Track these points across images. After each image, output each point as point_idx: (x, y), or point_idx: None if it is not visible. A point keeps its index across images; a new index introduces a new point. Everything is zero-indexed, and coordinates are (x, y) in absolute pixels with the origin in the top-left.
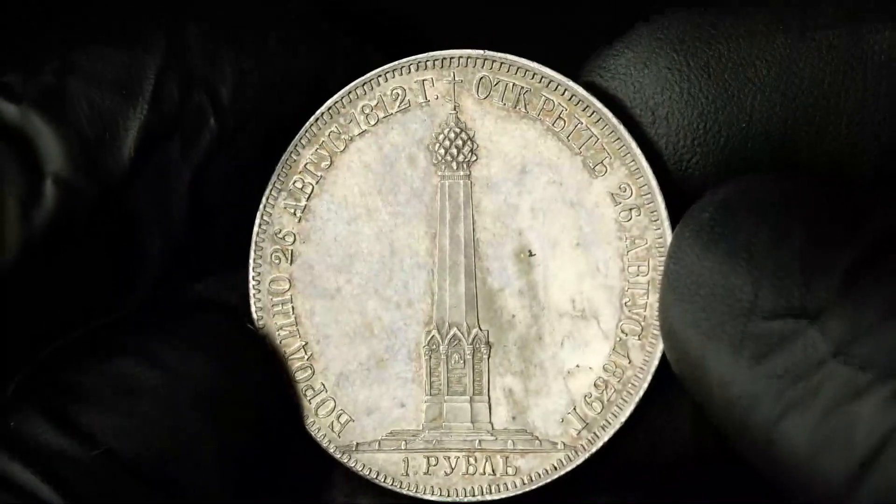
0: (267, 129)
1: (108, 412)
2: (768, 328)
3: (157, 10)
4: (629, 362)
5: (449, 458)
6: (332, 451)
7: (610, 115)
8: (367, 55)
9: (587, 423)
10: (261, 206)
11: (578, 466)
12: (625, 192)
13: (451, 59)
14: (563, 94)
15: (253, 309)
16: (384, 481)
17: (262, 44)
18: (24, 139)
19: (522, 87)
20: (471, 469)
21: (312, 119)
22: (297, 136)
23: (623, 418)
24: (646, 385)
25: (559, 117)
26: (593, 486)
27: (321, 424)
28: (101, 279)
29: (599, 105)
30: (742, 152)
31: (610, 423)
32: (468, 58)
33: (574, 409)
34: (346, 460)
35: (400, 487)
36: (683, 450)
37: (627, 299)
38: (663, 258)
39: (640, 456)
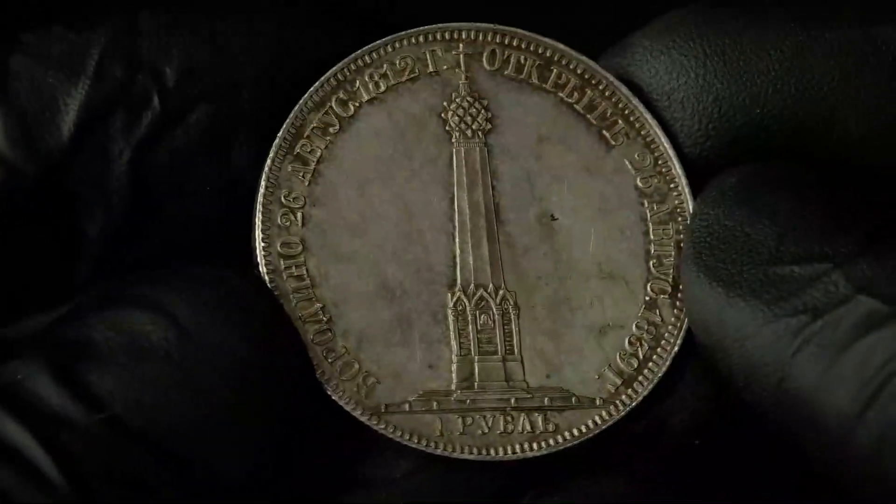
0: (217, 115)
1: (118, 373)
2: (790, 272)
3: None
4: (661, 320)
5: (485, 416)
6: (358, 414)
7: (623, 88)
8: (340, 41)
9: (625, 379)
10: (265, 170)
11: (617, 422)
12: (643, 160)
13: (460, 31)
14: (576, 68)
15: (263, 271)
16: (418, 442)
17: (215, 30)
18: None
19: (534, 61)
20: (508, 427)
21: (317, 84)
22: (301, 101)
23: (661, 373)
24: (680, 341)
25: (573, 90)
26: (628, 445)
27: (346, 388)
28: (42, 259)
29: (612, 78)
30: (755, 139)
31: (648, 378)
32: (478, 31)
33: (609, 365)
34: (374, 423)
35: (435, 448)
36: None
37: (654, 260)
38: (686, 221)
39: (670, 416)
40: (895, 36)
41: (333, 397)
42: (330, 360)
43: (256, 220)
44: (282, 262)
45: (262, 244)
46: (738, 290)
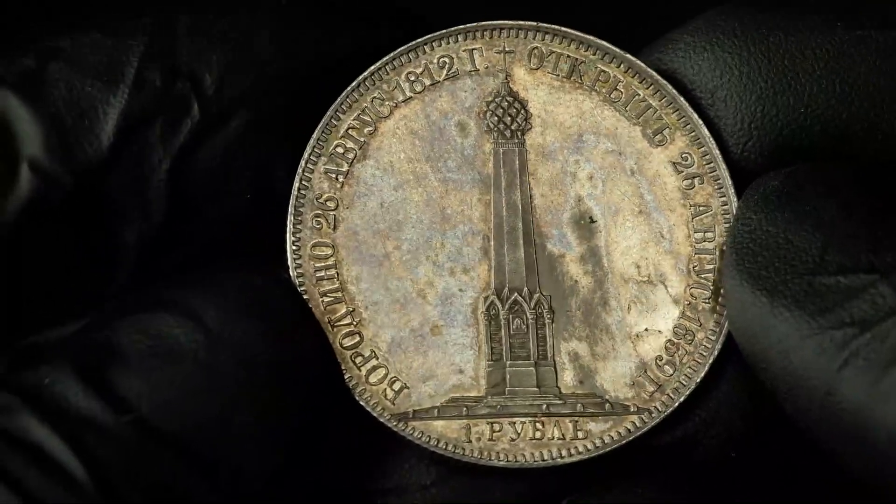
0: (255, 121)
1: (145, 377)
2: (835, 283)
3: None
4: (700, 325)
5: (514, 423)
6: (385, 419)
7: (668, 85)
8: (377, 43)
9: (660, 385)
10: (298, 171)
11: (650, 429)
12: (686, 161)
13: (501, 29)
14: (620, 66)
15: (293, 275)
16: (445, 448)
17: (252, 36)
18: (1, 123)
19: (576, 59)
20: (538, 434)
21: (354, 84)
22: (337, 102)
23: (697, 380)
24: (718, 347)
25: (616, 88)
26: (662, 455)
27: (373, 392)
28: (77, 267)
29: (657, 76)
30: (798, 139)
31: (684, 385)
32: (519, 28)
33: (645, 371)
34: (402, 428)
35: (463, 454)
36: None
37: (695, 264)
38: (729, 225)
39: (707, 424)
40: None
41: (360, 402)
42: (358, 365)
43: (288, 222)
44: (313, 266)
45: (293, 247)
46: (783, 299)
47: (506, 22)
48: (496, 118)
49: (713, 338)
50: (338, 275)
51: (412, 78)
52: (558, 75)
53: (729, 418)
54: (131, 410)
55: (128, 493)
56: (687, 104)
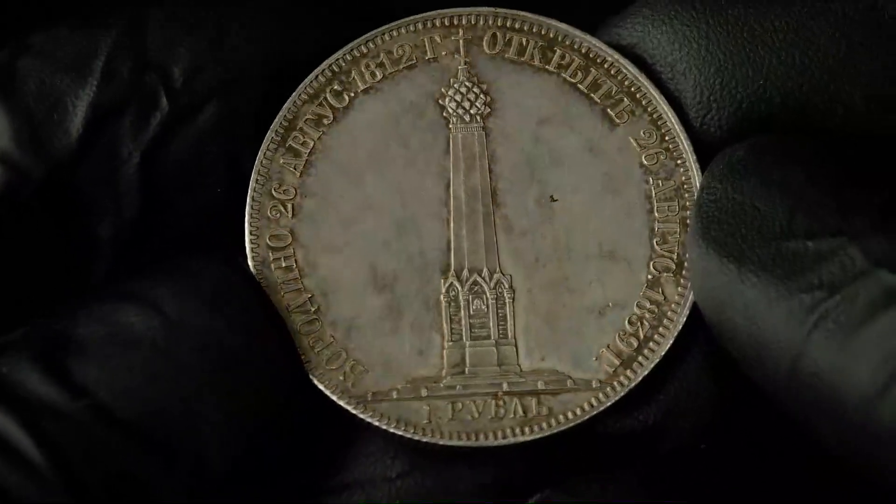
0: (226, 114)
1: (103, 363)
2: (803, 247)
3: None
4: (664, 298)
5: (475, 402)
6: (344, 402)
7: (628, 64)
8: (345, 32)
9: (623, 360)
10: (256, 162)
11: (614, 404)
12: (649, 137)
13: (459, 16)
14: (580, 47)
15: (251, 264)
16: (405, 430)
17: (222, 29)
18: None
19: (536, 42)
20: (500, 412)
21: (311, 76)
22: (295, 93)
23: (661, 353)
24: (683, 319)
25: (577, 69)
26: (630, 446)
27: (332, 376)
28: (51, 261)
29: (617, 56)
30: (758, 111)
31: (648, 359)
32: (478, 15)
33: (608, 346)
34: (360, 411)
35: (423, 435)
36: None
37: (658, 238)
38: (692, 198)
39: (673, 401)
40: None
41: (320, 386)
42: (317, 350)
43: (246, 212)
44: (270, 254)
45: (251, 236)
46: (749, 265)
47: (463, 9)
48: (455, 103)
49: (677, 310)
50: (296, 262)
51: (371, 67)
52: (517, 59)
53: (696, 396)
54: (88, 396)
55: (87, 478)
56: (647, 81)
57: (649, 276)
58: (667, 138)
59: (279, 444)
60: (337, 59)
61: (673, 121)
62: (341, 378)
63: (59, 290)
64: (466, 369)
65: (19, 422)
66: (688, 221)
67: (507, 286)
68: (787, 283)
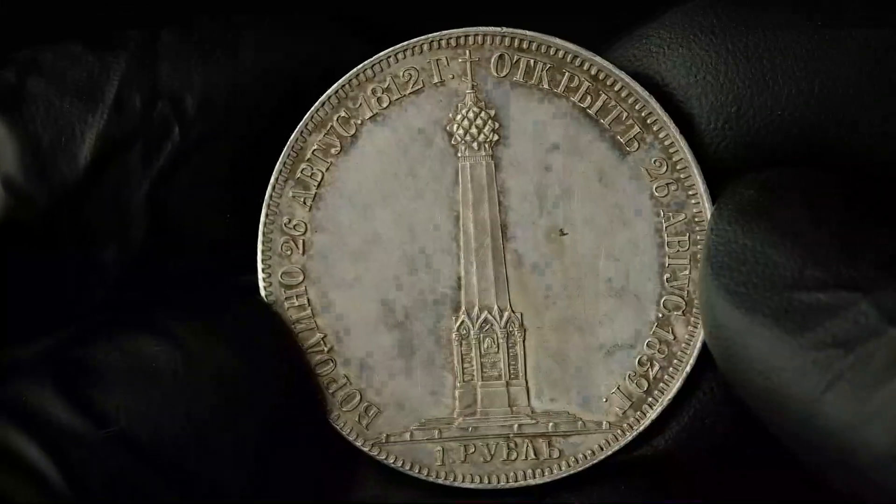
0: (238, 141)
1: (124, 392)
2: (815, 299)
3: (134, 11)
4: (674, 338)
5: (488, 444)
6: (360, 444)
7: (640, 88)
8: (356, 52)
9: (633, 402)
10: (266, 197)
11: (625, 446)
12: (660, 167)
13: (466, 37)
14: (589, 69)
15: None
16: (418, 472)
17: (234, 54)
18: None
19: (545, 63)
20: (511, 455)
21: (318, 104)
22: (302, 123)
23: (670, 395)
24: (692, 360)
25: (586, 93)
26: (636, 469)
27: (347, 418)
28: (55, 288)
29: (628, 79)
30: (773, 140)
31: (657, 401)
32: (485, 35)
33: (618, 388)
34: (376, 453)
35: (436, 477)
36: (723, 438)
37: (668, 274)
38: (703, 232)
39: (683, 439)
40: None
41: (336, 427)
42: (331, 391)
43: (258, 249)
44: (283, 292)
45: (264, 275)
46: (761, 316)
47: (470, 29)
48: (463, 130)
49: (687, 349)
50: (308, 301)
51: (378, 93)
52: (527, 82)
53: (706, 432)
54: (110, 424)
55: (104, 501)
56: (659, 107)
57: (659, 315)
58: (678, 167)
59: (291, 471)
60: (343, 85)
61: (685, 149)
62: (356, 419)
63: (62, 313)
64: (478, 410)
65: (43, 448)
66: (698, 257)
67: (517, 324)
68: (798, 338)
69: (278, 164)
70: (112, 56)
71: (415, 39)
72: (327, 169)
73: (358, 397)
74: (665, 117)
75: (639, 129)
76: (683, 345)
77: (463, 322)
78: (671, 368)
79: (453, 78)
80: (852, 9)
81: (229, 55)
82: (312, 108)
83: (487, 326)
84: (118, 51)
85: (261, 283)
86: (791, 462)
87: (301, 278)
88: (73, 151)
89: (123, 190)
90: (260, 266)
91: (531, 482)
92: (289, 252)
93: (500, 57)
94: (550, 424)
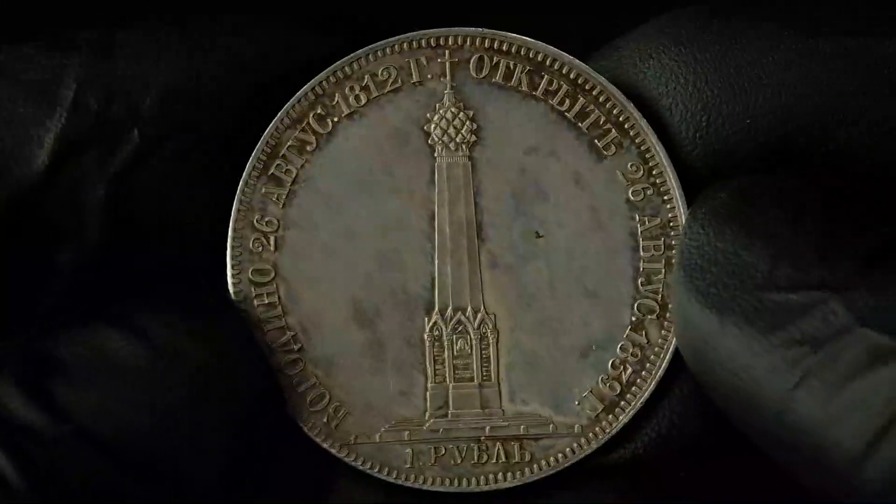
0: (207, 138)
1: (87, 388)
2: (786, 299)
3: (91, 12)
4: (647, 341)
5: (458, 446)
6: (328, 446)
7: (618, 92)
8: (330, 51)
9: (606, 405)
10: (238, 192)
11: (596, 450)
12: (636, 171)
13: (446, 37)
14: (568, 73)
15: (233, 298)
16: (387, 475)
17: (193, 51)
18: None
19: (524, 66)
20: (482, 457)
21: (293, 100)
22: (277, 119)
23: (643, 398)
24: (665, 364)
25: (564, 97)
26: (608, 472)
27: (316, 420)
28: (9, 284)
29: (607, 84)
30: (745, 148)
31: (629, 404)
32: (465, 36)
33: (591, 391)
34: (344, 455)
35: (405, 480)
36: (695, 441)
37: (643, 278)
38: (678, 236)
39: (655, 443)
40: (891, 47)
41: (304, 429)
42: (300, 390)
43: (228, 245)
44: (253, 290)
45: (233, 270)
46: (732, 316)
47: (450, 29)
48: (441, 130)
49: (660, 353)
50: (279, 298)
51: (356, 90)
52: (506, 84)
53: (678, 435)
54: (71, 420)
55: (64, 500)
56: (637, 112)
57: (633, 318)
58: (654, 172)
59: (258, 469)
60: (320, 82)
61: (661, 154)
62: (325, 420)
63: (18, 312)
64: (450, 412)
65: (1, 444)
66: (673, 261)
67: (490, 326)
68: (769, 337)
69: (251, 159)
70: (68, 55)
71: (394, 38)
72: (302, 166)
73: (327, 397)
74: (642, 123)
75: (616, 134)
76: (657, 348)
77: (436, 323)
78: (644, 372)
79: (432, 78)
80: (823, 19)
81: (189, 54)
82: (287, 104)
83: (461, 328)
84: (73, 51)
85: (230, 280)
86: (764, 462)
87: (272, 275)
88: (29, 154)
89: (80, 192)
90: (230, 262)
91: (502, 485)
92: (259, 248)
93: (480, 58)
94: (522, 427)
